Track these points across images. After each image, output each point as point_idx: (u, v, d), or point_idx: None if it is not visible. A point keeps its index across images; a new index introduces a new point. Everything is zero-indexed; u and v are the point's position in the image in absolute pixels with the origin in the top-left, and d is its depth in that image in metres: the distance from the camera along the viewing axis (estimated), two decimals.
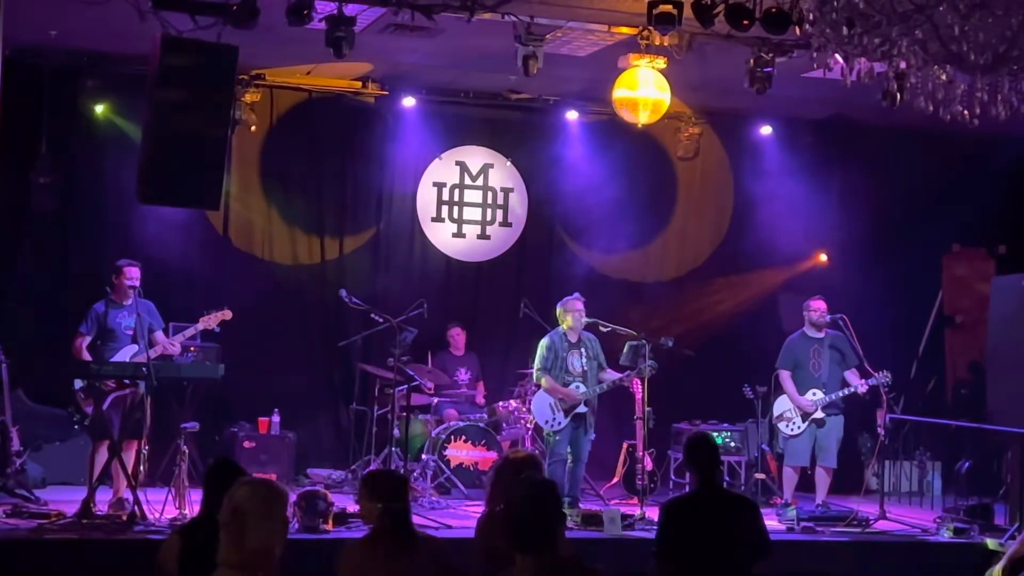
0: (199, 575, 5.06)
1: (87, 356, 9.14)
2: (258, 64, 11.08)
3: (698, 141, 12.67)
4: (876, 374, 10.09)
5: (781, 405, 10.40)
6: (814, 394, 10.22)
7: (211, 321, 9.48)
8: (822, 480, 10.31)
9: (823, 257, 12.73)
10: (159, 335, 9.38)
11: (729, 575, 5.61)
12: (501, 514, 5.57)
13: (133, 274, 9.20)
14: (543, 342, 10.10)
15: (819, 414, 10.21)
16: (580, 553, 5.58)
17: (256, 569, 3.99)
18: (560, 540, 4.08)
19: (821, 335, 10.36)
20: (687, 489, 10.80)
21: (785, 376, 10.42)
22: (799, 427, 10.26)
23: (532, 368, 10.60)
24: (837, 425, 10.31)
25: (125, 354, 9.19)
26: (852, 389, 10.19)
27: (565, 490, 9.69)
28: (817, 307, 10.36)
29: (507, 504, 4.17)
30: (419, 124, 12.11)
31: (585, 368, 10.01)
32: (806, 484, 10.57)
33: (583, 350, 10.05)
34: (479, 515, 5.83)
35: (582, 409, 9.94)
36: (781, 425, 10.38)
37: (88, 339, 9.19)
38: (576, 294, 10.20)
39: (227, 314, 9.53)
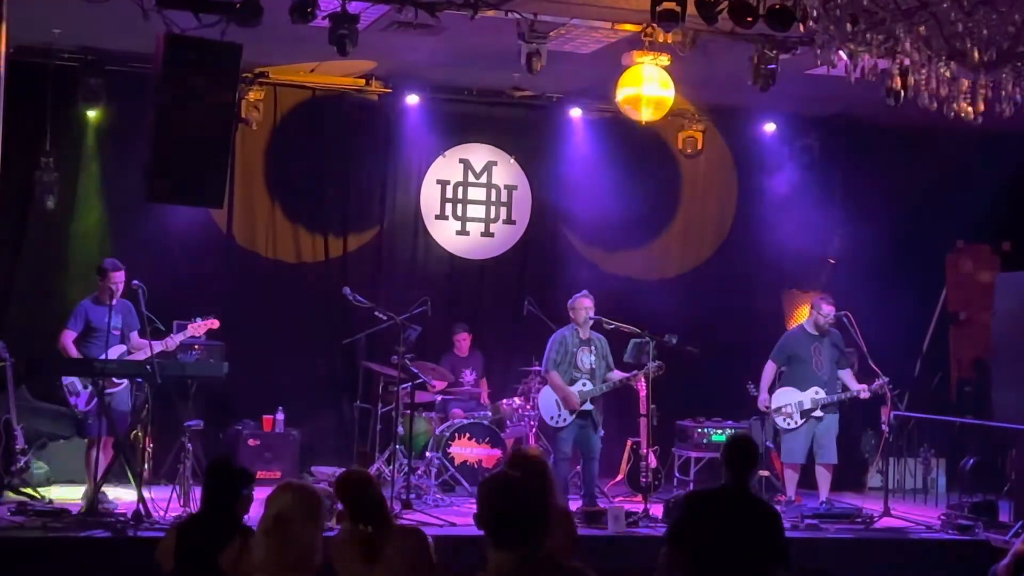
0: (195, 572, 5.10)
1: (73, 351, 9.18)
2: (262, 62, 11.08)
3: (702, 138, 12.66)
4: (878, 379, 10.10)
5: (780, 399, 10.36)
6: (816, 392, 10.21)
7: (199, 329, 9.56)
8: (823, 478, 10.30)
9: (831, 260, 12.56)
10: (134, 335, 9.41)
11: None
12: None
13: (119, 278, 9.24)
14: (555, 337, 10.11)
15: (819, 412, 10.20)
16: (584, 551, 5.59)
17: (296, 573, 3.96)
18: (541, 536, 4.04)
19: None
20: (691, 487, 10.82)
21: (769, 370, 10.42)
22: (796, 422, 10.25)
23: (536, 365, 10.62)
24: (834, 422, 10.31)
25: (114, 353, 9.22)
26: (854, 393, 10.19)
27: (568, 489, 9.71)
28: (828, 311, 10.30)
29: (477, 501, 4.15)
30: (422, 122, 12.11)
31: (593, 366, 10.01)
32: (809, 482, 10.55)
33: (592, 348, 10.06)
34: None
35: (588, 406, 9.95)
36: (779, 419, 10.34)
37: (74, 335, 9.23)
38: (584, 291, 10.21)
39: (214, 323, 9.64)
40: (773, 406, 10.39)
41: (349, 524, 5.02)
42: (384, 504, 5.17)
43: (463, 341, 11.79)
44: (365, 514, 5.01)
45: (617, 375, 10.12)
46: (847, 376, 10.33)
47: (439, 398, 11.44)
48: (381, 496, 5.16)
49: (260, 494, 5.38)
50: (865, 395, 10.21)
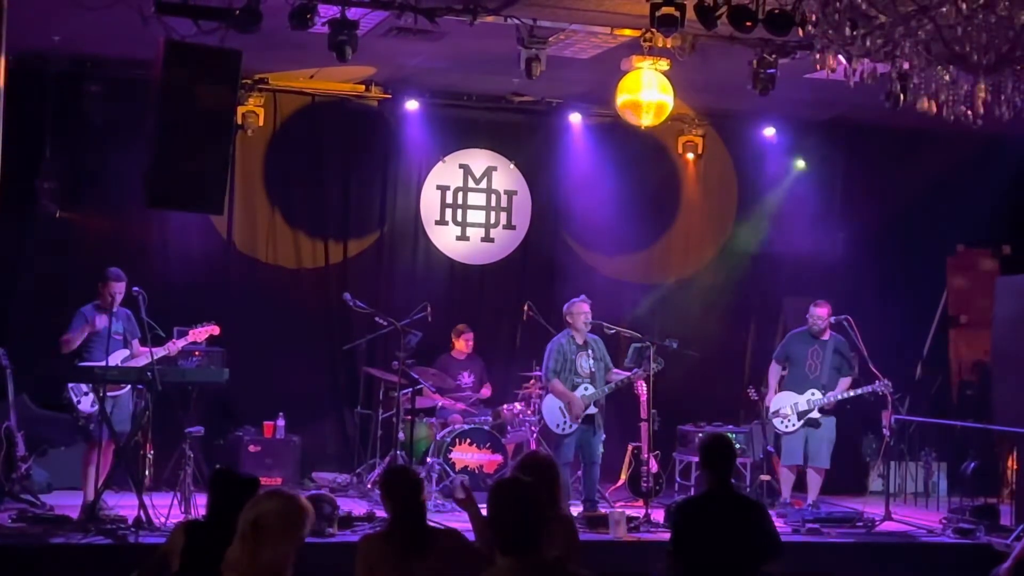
0: (200, 574, 5.10)
1: (76, 345, 9.16)
2: (261, 68, 11.10)
3: (702, 143, 12.68)
4: (880, 380, 10.07)
5: (778, 402, 10.36)
6: (812, 394, 10.20)
7: (200, 335, 9.58)
8: (813, 481, 10.30)
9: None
10: (135, 342, 9.43)
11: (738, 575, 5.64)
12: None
13: (118, 289, 9.22)
14: (552, 345, 10.11)
15: (815, 414, 10.19)
16: (585, 555, 5.59)
17: None
18: (544, 542, 4.04)
19: (825, 337, 10.34)
20: (692, 491, 10.82)
21: (773, 370, 10.44)
22: (794, 424, 10.23)
23: (537, 371, 10.61)
24: (829, 426, 10.27)
25: (116, 358, 9.21)
26: (854, 393, 10.15)
27: (569, 494, 9.69)
28: (819, 314, 10.29)
29: (489, 505, 4.15)
30: (422, 127, 12.12)
31: (593, 369, 10.03)
32: (801, 484, 10.53)
33: (590, 351, 10.07)
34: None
35: (591, 410, 9.96)
36: (776, 421, 10.34)
37: (74, 336, 9.19)
38: (582, 296, 10.21)
39: (214, 329, 9.63)
40: (771, 409, 10.40)
41: (395, 519, 5.09)
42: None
43: (467, 341, 11.75)
44: (414, 513, 5.09)
45: (617, 375, 10.14)
46: (843, 383, 10.29)
47: (439, 403, 11.43)
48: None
49: None
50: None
